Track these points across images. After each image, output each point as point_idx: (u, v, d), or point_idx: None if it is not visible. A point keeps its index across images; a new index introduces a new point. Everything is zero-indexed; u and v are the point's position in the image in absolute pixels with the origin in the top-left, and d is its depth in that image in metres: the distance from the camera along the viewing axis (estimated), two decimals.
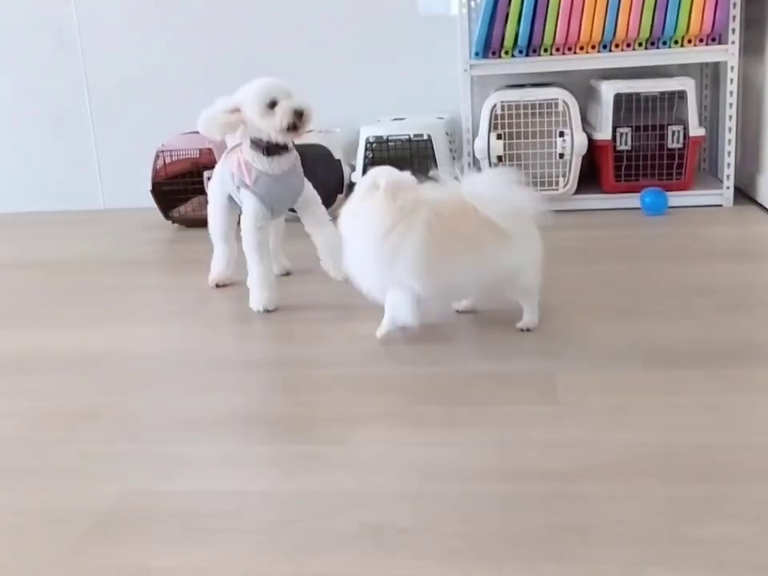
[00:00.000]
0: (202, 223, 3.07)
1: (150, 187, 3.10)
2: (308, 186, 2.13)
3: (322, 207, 2.16)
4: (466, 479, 1.22)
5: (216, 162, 3.00)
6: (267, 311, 2.03)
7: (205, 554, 1.08)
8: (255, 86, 1.98)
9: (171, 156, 3.11)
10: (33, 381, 1.73)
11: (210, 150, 3.05)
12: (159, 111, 3.54)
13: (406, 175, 1.71)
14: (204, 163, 3.09)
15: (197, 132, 3.18)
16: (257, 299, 2.05)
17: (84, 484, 1.27)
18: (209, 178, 3.02)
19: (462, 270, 1.69)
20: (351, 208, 1.73)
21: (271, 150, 1.99)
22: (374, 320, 1.87)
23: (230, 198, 2.18)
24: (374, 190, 1.67)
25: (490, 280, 1.73)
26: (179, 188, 3.13)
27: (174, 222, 3.16)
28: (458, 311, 1.93)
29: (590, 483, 1.18)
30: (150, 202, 3.15)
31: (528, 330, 1.80)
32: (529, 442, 1.32)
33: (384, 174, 1.70)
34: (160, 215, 3.17)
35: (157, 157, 3.10)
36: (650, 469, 1.21)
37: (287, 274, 2.37)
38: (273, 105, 1.93)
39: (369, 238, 1.67)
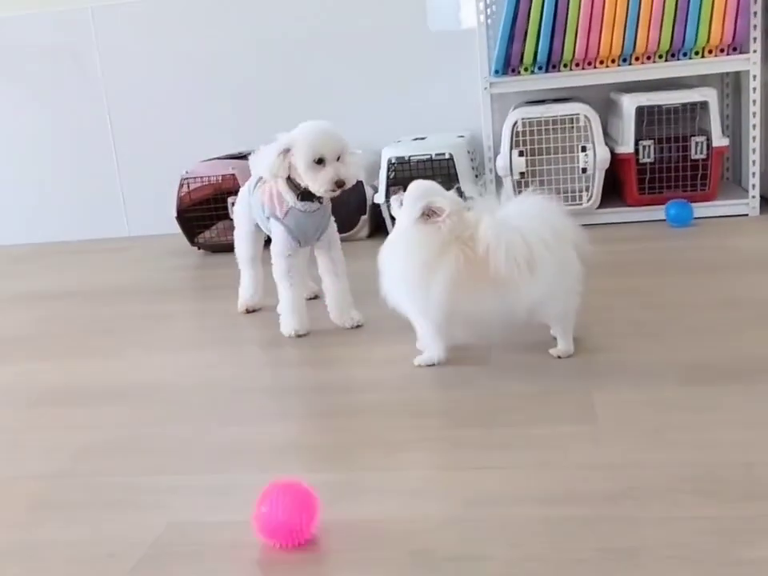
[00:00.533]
0: (226, 248, 3.11)
1: (174, 214, 3.13)
2: (333, 225, 2.12)
3: (340, 252, 2.14)
4: (511, 503, 1.22)
5: (239, 187, 3.05)
6: (299, 336, 2.05)
7: None
8: (308, 136, 1.93)
9: (195, 182, 3.14)
10: (74, 413, 1.75)
11: (232, 175, 3.08)
12: (180, 138, 3.58)
13: (452, 195, 1.72)
14: (226, 189, 3.12)
15: (218, 158, 3.25)
16: (288, 324, 2.07)
17: (132, 516, 1.28)
18: (233, 204, 3.06)
19: (486, 305, 1.65)
20: (400, 231, 1.74)
21: (305, 195, 1.99)
22: (406, 342, 1.88)
23: (257, 226, 2.20)
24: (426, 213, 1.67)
25: (516, 312, 1.68)
26: (203, 214, 3.15)
27: (199, 248, 3.19)
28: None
29: (636, 505, 1.18)
30: (174, 227, 3.18)
31: (560, 357, 1.76)
32: (570, 463, 1.32)
33: (433, 193, 1.70)
34: (184, 241, 3.20)
35: (181, 184, 3.13)
36: (696, 488, 1.21)
37: (315, 297, 2.37)
38: (320, 161, 1.91)
39: (410, 264, 1.68)
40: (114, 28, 3.56)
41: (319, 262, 2.14)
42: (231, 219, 3.12)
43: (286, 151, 1.93)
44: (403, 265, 1.70)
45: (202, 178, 3.14)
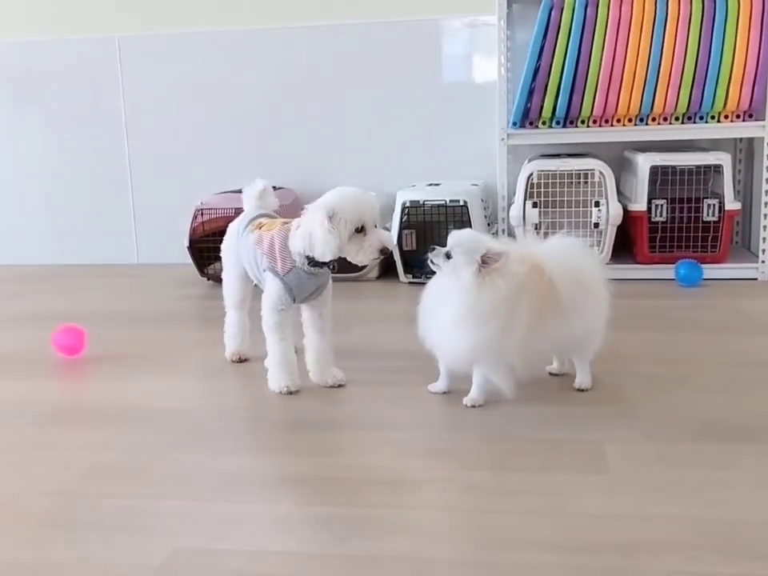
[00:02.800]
0: None
1: (187, 243, 3.14)
2: (330, 282, 1.96)
3: (330, 309, 1.97)
4: (521, 549, 1.21)
5: None
6: (290, 392, 1.90)
7: None
8: (349, 203, 1.78)
9: (209, 214, 3.16)
10: (80, 434, 1.74)
11: None
12: (196, 171, 3.61)
13: (503, 246, 1.71)
14: None
15: (232, 191, 3.26)
16: (278, 380, 1.91)
17: (138, 540, 1.27)
18: None
19: (551, 336, 1.74)
20: (465, 287, 1.67)
21: (317, 263, 1.84)
22: (417, 383, 1.88)
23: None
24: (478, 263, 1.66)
25: (565, 346, 1.84)
26: (215, 245, 3.15)
27: (208, 279, 3.19)
28: (550, 374, 1.97)
29: (650, 558, 1.17)
30: (182, 257, 3.19)
31: (583, 390, 1.85)
32: (582, 512, 1.31)
33: (480, 240, 1.69)
34: (193, 271, 3.20)
35: (195, 215, 3.14)
36: (710, 545, 1.20)
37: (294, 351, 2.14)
38: (361, 230, 1.77)
39: (489, 319, 1.66)
40: (138, 58, 3.61)
41: (306, 316, 1.97)
42: None
43: (330, 218, 1.75)
44: (479, 321, 1.65)
45: (216, 209, 3.15)
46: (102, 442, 1.68)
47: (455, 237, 1.70)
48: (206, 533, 1.29)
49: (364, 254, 1.79)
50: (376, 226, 1.81)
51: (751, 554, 1.17)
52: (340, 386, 1.94)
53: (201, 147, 3.62)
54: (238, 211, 3.12)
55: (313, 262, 1.83)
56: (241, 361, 2.15)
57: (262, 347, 1.94)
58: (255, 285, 2.06)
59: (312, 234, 1.77)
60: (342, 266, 3.11)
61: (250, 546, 1.24)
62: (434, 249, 1.70)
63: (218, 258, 3.19)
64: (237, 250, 2.06)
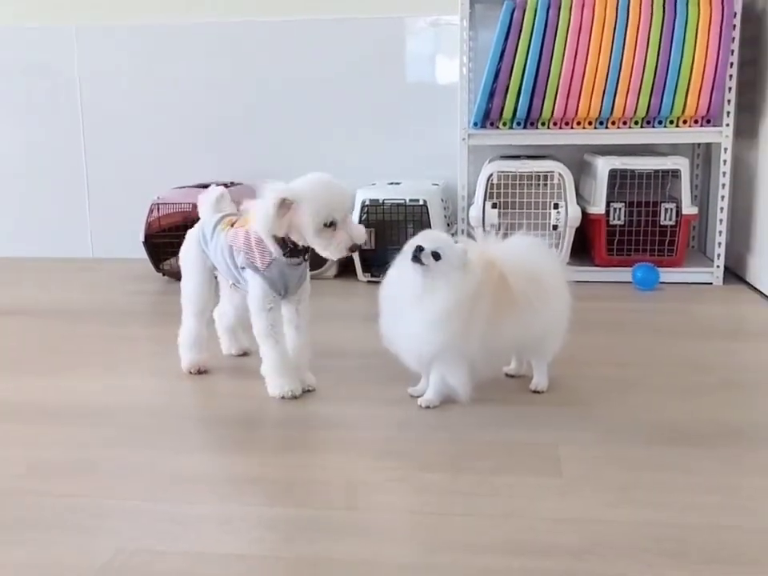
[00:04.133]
0: None
1: (142, 238, 3.08)
2: (308, 276, 1.91)
3: (308, 305, 1.91)
4: (474, 552, 1.19)
5: None
6: (295, 397, 1.83)
7: None
8: (319, 194, 1.70)
9: (165, 209, 3.10)
10: (26, 430, 1.69)
11: None
12: (153, 164, 3.56)
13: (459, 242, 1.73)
14: (197, 217, 3.08)
15: (190, 186, 3.22)
16: (279, 385, 1.83)
17: (80, 540, 1.23)
18: None
19: (507, 334, 1.73)
20: (412, 277, 1.68)
21: (294, 253, 1.78)
22: (373, 382, 1.87)
23: (213, 274, 2.00)
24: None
25: (524, 345, 1.84)
26: (171, 240, 3.11)
27: (164, 275, 3.14)
28: (507, 375, 1.96)
29: (602, 562, 1.16)
30: (138, 252, 3.14)
31: (539, 391, 1.85)
32: (535, 515, 1.30)
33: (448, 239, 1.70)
34: (149, 266, 3.15)
35: (151, 209, 3.09)
36: (661, 549, 1.19)
37: (244, 354, 2.17)
38: (331, 224, 1.70)
39: (442, 310, 1.65)
40: (96, 49, 3.54)
41: (284, 312, 1.89)
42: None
43: (288, 206, 1.70)
44: (453, 317, 1.65)
45: (173, 204, 3.10)
46: (47, 439, 1.63)
47: (438, 238, 1.69)
48: (151, 533, 1.25)
49: (332, 250, 1.72)
50: (350, 218, 1.76)
51: (701, 558, 1.16)
52: (309, 390, 1.88)
53: (159, 141, 3.56)
54: (196, 207, 3.11)
55: (290, 252, 1.77)
56: (200, 372, 2.02)
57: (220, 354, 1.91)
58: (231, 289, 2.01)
59: (256, 208, 1.72)
60: None
61: (196, 547, 1.21)
62: (422, 249, 1.65)
63: (174, 254, 3.16)
64: (200, 256, 1.97)
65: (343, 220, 1.72)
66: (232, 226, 1.89)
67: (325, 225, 1.69)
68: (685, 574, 1.13)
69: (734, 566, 1.15)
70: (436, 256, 1.65)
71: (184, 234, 3.04)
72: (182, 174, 3.40)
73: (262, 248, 1.78)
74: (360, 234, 1.74)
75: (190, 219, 3.08)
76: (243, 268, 1.83)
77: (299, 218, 1.70)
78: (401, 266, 1.71)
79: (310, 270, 3.06)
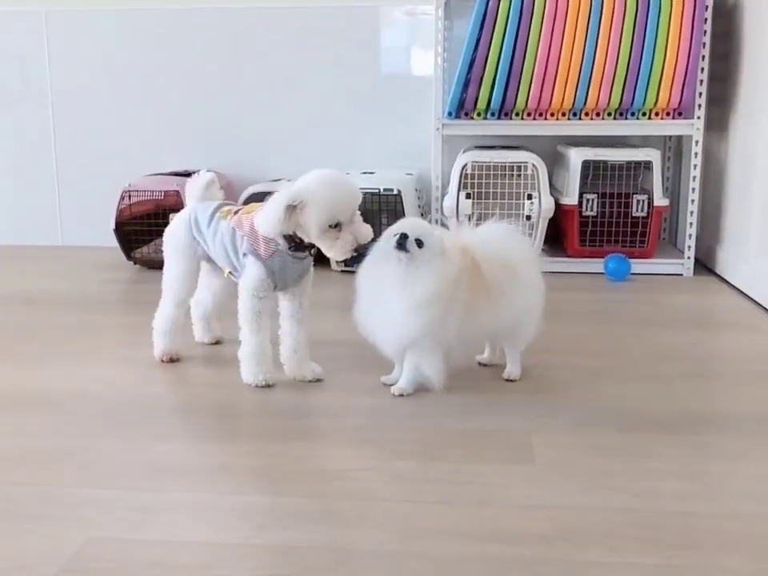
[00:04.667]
0: (162, 265, 3.04)
1: (113, 226, 3.05)
2: (311, 270, 1.87)
3: (309, 299, 1.88)
4: (446, 539, 1.20)
5: (182, 205, 2.99)
6: (268, 386, 1.81)
7: None
8: (324, 195, 1.66)
9: (137, 196, 3.07)
10: None
11: (176, 192, 3.02)
12: (125, 151, 3.51)
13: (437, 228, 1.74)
14: (169, 205, 3.06)
15: (162, 173, 3.19)
16: (253, 372, 1.81)
17: (49, 530, 1.22)
18: None
19: (480, 321, 1.74)
20: (395, 264, 1.67)
21: (300, 247, 1.76)
22: (346, 371, 1.87)
23: (202, 263, 1.98)
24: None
25: (497, 332, 1.84)
26: (143, 228, 3.08)
27: (135, 263, 3.11)
28: (480, 364, 1.97)
29: (573, 548, 1.17)
30: (109, 240, 3.10)
31: (512, 380, 1.86)
32: (507, 502, 1.31)
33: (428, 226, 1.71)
34: (120, 255, 3.11)
35: (122, 196, 3.06)
36: (632, 535, 1.20)
37: (217, 342, 2.15)
38: (336, 226, 1.68)
39: (427, 294, 1.65)
40: (66, 34, 3.49)
41: (284, 306, 1.87)
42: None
43: (293, 207, 1.67)
44: (427, 296, 1.65)
45: (144, 192, 3.07)
46: (17, 428, 1.62)
47: (420, 226, 1.69)
48: (122, 522, 1.24)
49: (336, 251, 1.69)
50: (357, 217, 1.72)
51: (672, 544, 1.18)
52: (318, 380, 1.86)
53: (130, 128, 3.52)
54: (168, 194, 3.08)
55: (296, 246, 1.75)
56: (172, 361, 2.00)
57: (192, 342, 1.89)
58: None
59: (264, 210, 1.71)
60: None
61: (167, 535, 1.21)
62: (406, 236, 1.64)
63: (145, 242, 3.14)
64: (190, 243, 1.92)
65: (349, 220, 1.69)
66: (235, 213, 1.85)
67: (330, 226, 1.67)
68: (657, 560, 1.14)
69: (705, 552, 1.16)
70: (419, 243, 1.65)
71: (156, 222, 3.05)
72: (154, 162, 3.37)
73: (267, 240, 1.76)
74: (365, 234, 1.71)
75: (161, 207, 3.08)
76: (245, 254, 1.79)
77: (304, 219, 1.67)
78: (379, 254, 1.71)
79: None
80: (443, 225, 1.83)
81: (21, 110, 3.57)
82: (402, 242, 1.64)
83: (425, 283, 1.65)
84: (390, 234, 1.69)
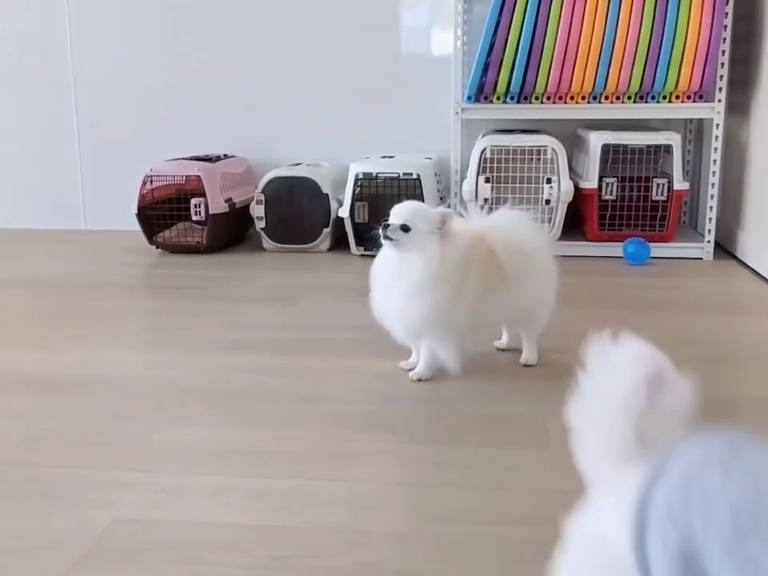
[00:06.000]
0: (185, 249, 3.09)
1: (135, 210, 3.08)
2: None
3: None
4: (462, 522, 1.22)
5: (202, 189, 3.03)
6: None
7: None
8: None
9: (159, 180, 3.10)
10: (20, 402, 1.70)
11: (197, 177, 3.05)
12: (146, 136, 3.54)
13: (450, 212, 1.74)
14: (190, 189, 3.10)
15: (183, 158, 3.22)
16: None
17: (77, 510, 1.25)
18: (196, 206, 3.04)
19: (496, 307, 1.76)
20: (425, 247, 1.69)
21: None
22: (365, 355, 1.89)
23: None
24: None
25: (511, 318, 1.86)
26: (165, 213, 3.11)
27: (157, 247, 3.15)
28: (498, 349, 1.98)
29: None
30: (131, 225, 3.14)
31: (529, 365, 1.87)
32: (524, 486, 1.33)
33: (434, 212, 1.71)
34: (143, 239, 3.15)
35: (144, 181, 3.09)
36: None
37: None
38: None
39: (419, 279, 1.67)
40: (88, 17, 3.52)
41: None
42: (192, 221, 3.11)
43: None
44: (436, 286, 1.67)
45: (166, 176, 3.10)
46: (41, 410, 1.65)
47: (406, 210, 1.71)
48: (146, 504, 1.28)
49: None
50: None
51: None
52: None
53: (152, 112, 3.55)
54: (189, 179, 3.11)
55: None
56: None
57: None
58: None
59: None
60: (292, 237, 3.11)
61: (190, 517, 1.24)
62: (388, 225, 1.67)
63: (167, 226, 3.17)
64: None
65: None
66: None
67: None
68: None
69: None
70: (404, 228, 1.66)
71: (177, 206, 3.09)
72: (176, 146, 3.39)
73: None
74: None
75: (183, 191, 3.11)
76: None
77: None
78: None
79: (303, 244, 3.10)
80: (463, 210, 1.84)
81: (42, 92, 3.61)
82: (385, 234, 1.67)
83: (417, 267, 1.67)
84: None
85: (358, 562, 1.12)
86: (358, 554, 1.14)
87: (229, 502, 1.28)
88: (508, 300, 1.75)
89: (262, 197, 3.10)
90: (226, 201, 3.12)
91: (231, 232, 3.25)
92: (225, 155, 3.35)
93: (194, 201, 3.05)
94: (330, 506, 1.27)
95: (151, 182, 3.09)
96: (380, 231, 1.68)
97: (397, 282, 1.70)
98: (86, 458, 1.44)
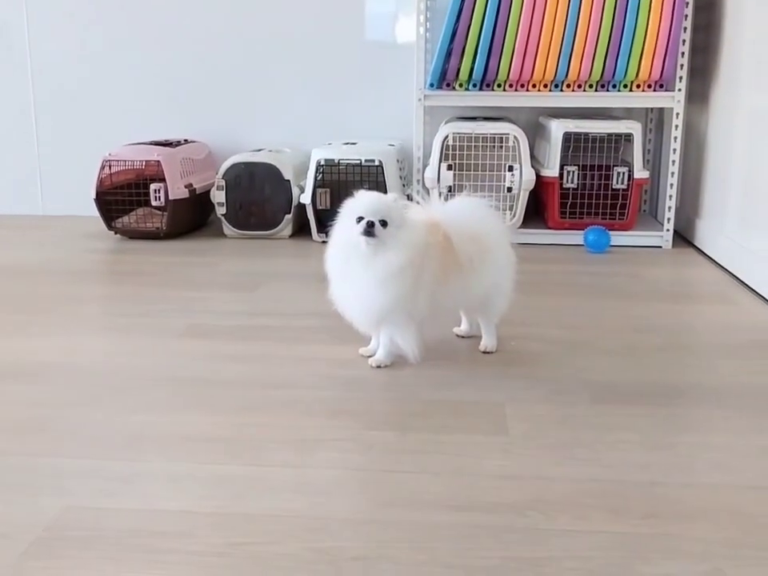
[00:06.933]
0: (144, 235, 3.05)
1: (93, 196, 3.03)
2: None
3: None
4: (419, 508, 1.22)
5: (162, 175, 2.99)
6: None
7: (152, 574, 1.06)
8: None
9: (117, 165, 3.06)
10: None
11: (157, 162, 3.01)
12: (105, 120, 3.49)
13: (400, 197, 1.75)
14: (149, 175, 3.06)
15: (143, 143, 3.17)
16: None
17: (28, 498, 1.23)
18: (155, 191, 3.00)
19: (453, 294, 1.76)
20: (401, 237, 1.68)
21: None
22: (324, 342, 1.88)
23: None
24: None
25: (469, 304, 1.87)
26: (123, 198, 3.07)
27: (116, 233, 3.10)
28: (458, 336, 1.98)
29: (543, 517, 1.19)
30: (91, 210, 3.09)
31: (488, 352, 1.88)
32: (480, 472, 1.33)
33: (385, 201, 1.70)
34: (102, 225, 3.10)
35: (102, 166, 3.04)
36: (600, 505, 1.23)
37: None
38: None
39: (394, 267, 1.66)
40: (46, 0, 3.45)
41: None
42: (151, 206, 3.07)
43: None
44: (394, 269, 1.66)
45: (125, 161, 3.06)
46: None
47: (381, 205, 1.68)
48: (100, 491, 1.26)
49: None
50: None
51: (637, 514, 1.20)
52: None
53: (111, 96, 3.49)
54: (149, 164, 3.07)
55: None
56: None
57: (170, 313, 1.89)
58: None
59: None
60: (253, 223, 3.09)
61: (144, 504, 1.22)
62: (372, 224, 1.64)
63: (126, 212, 3.12)
64: None
65: None
66: None
67: None
68: (623, 528, 1.17)
69: (671, 521, 1.19)
70: (383, 223, 1.66)
71: (136, 192, 3.05)
72: (136, 130, 3.35)
73: None
74: None
75: (142, 176, 3.07)
76: None
77: None
78: (344, 232, 1.71)
79: (265, 230, 3.08)
80: (410, 199, 1.83)
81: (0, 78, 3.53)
82: (370, 231, 1.65)
83: (389, 257, 1.66)
84: (351, 212, 1.69)
85: (313, 547, 1.12)
86: (314, 540, 1.13)
87: (184, 489, 1.27)
88: (464, 287, 1.75)
89: (223, 182, 3.07)
90: (186, 186, 3.09)
91: (191, 218, 3.22)
92: (185, 140, 3.32)
93: (153, 186, 3.01)
94: (287, 493, 1.26)
95: (110, 166, 3.04)
96: (359, 230, 1.65)
97: (363, 272, 1.68)
98: (38, 446, 1.41)
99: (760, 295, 2.34)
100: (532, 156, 3.04)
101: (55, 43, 3.48)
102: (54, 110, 3.54)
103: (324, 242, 2.98)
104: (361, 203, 1.70)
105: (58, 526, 1.16)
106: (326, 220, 3.02)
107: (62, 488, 1.27)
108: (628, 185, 2.95)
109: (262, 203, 3.10)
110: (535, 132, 3.23)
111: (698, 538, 1.15)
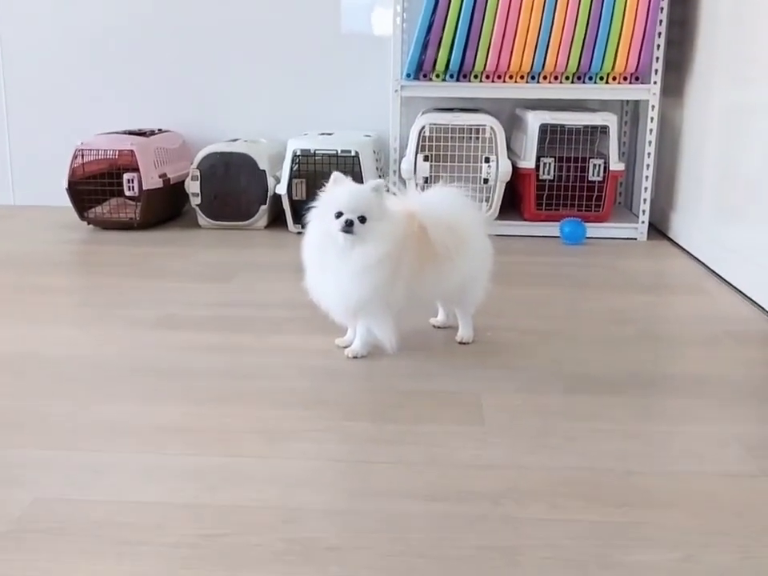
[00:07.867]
0: (117, 225, 3.01)
1: (65, 185, 2.99)
2: None
3: None
4: (395, 498, 1.21)
5: (136, 164, 2.96)
6: None
7: (123, 566, 1.04)
8: None
9: (90, 155, 3.02)
10: None
11: (131, 151, 2.98)
12: (77, 109, 3.44)
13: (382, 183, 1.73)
14: (123, 164, 3.02)
15: (116, 132, 3.14)
16: None
17: None
18: (129, 180, 2.97)
19: (429, 284, 1.75)
20: (381, 229, 1.67)
21: None
22: (300, 333, 1.87)
23: None
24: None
25: (445, 295, 1.86)
26: (96, 188, 3.03)
27: (89, 223, 3.07)
28: (434, 326, 1.98)
29: (517, 506, 1.19)
30: (63, 200, 3.04)
31: (465, 342, 1.87)
32: (456, 462, 1.33)
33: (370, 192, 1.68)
34: (74, 215, 3.06)
35: (75, 155, 3.00)
36: (575, 493, 1.23)
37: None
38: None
39: (372, 259, 1.65)
40: None
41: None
42: (125, 196, 3.04)
43: None
44: (373, 260, 1.66)
45: (98, 150, 3.02)
46: None
47: (360, 201, 1.66)
48: (70, 483, 1.24)
49: None
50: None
51: (611, 502, 1.21)
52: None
53: (84, 84, 3.45)
54: (122, 154, 3.03)
55: None
56: None
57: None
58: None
59: None
60: (228, 214, 3.06)
61: (115, 496, 1.21)
62: (351, 222, 1.63)
63: (99, 202, 3.09)
64: None
65: None
66: None
67: None
68: (595, 516, 1.17)
69: (644, 509, 1.19)
70: (362, 219, 1.65)
71: (110, 182, 3.01)
72: (109, 120, 3.31)
73: None
74: None
75: (115, 166, 3.03)
76: None
77: None
78: (321, 224, 1.70)
79: (240, 221, 3.06)
80: (387, 189, 1.81)
81: None
82: (348, 229, 1.64)
83: (368, 250, 1.65)
84: (331, 205, 1.67)
85: (287, 538, 1.11)
86: (288, 531, 1.12)
87: (156, 480, 1.26)
88: (440, 277, 1.75)
89: (198, 173, 3.04)
90: (160, 176, 3.06)
91: (165, 208, 3.19)
92: (159, 129, 3.28)
93: (126, 176, 2.98)
94: (262, 484, 1.25)
95: (82, 156, 3.01)
96: (338, 226, 1.64)
97: (341, 263, 1.67)
98: (8, 437, 1.39)
99: (733, 286, 2.35)
100: (508, 148, 3.04)
101: (26, 31, 3.42)
102: (25, 99, 3.48)
103: (300, 233, 2.98)
104: (341, 198, 1.67)
105: (27, 518, 1.14)
106: (301, 211, 3.03)
107: (32, 479, 1.25)
108: (604, 177, 2.96)
109: (237, 194, 3.08)
110: (512, 124, 3.23)
111: (672, 526, 1.15)
